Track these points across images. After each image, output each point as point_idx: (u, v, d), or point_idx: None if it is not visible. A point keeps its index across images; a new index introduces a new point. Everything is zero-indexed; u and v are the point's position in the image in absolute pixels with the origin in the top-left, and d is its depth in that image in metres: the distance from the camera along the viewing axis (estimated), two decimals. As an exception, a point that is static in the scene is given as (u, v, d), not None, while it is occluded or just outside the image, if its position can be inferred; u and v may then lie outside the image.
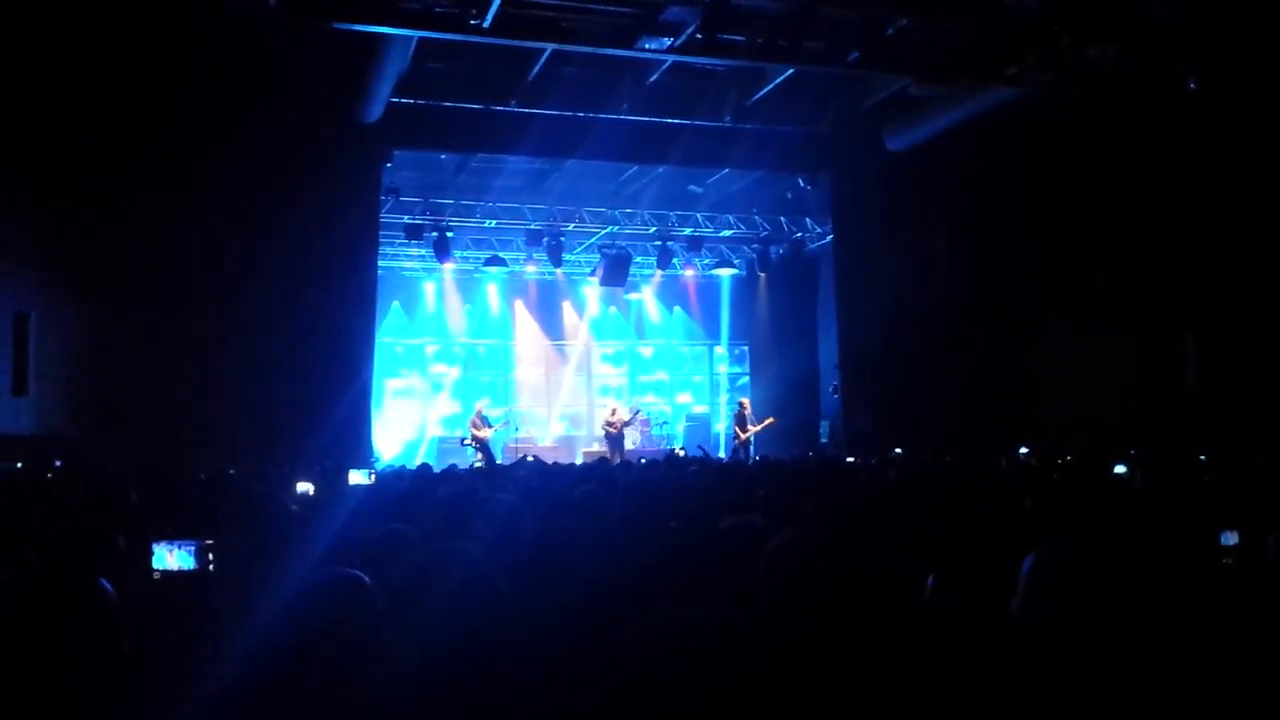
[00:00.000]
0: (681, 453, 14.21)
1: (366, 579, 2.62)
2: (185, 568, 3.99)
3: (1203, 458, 10.05)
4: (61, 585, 2.30)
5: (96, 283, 13.70)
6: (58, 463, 10.80)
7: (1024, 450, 12.48)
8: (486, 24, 11.24)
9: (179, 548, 4.00)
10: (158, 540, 4.02)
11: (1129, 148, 13.70)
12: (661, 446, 19.99)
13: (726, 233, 20.80)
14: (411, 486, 7.68)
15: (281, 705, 2.32)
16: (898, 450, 13.88)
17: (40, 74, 12.15)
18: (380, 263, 16.80)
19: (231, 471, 10.09)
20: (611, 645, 1.73)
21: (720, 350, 24.32)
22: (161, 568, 3.99)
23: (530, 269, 21.63)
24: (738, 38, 12.14)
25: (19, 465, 10.92)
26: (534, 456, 12.61)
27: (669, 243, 20.37)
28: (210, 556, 4.00)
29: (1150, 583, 1.97)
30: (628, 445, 19.57)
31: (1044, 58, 12.20)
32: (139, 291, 13.71)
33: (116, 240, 13.52)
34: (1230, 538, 4.71)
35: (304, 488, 8.62)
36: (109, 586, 2.32)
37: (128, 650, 2.30)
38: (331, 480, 9.36)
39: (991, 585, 2.58)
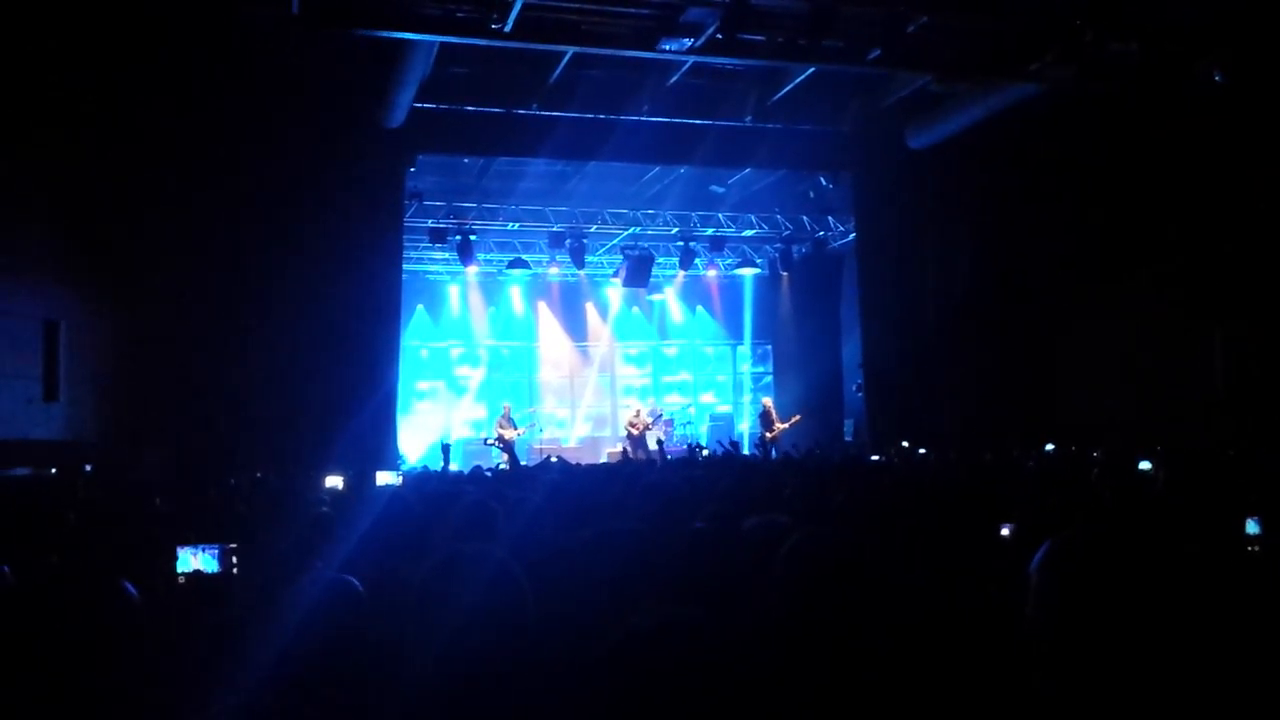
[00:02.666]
0: (705, 451, 14.15)
1: (357, 584, 2.64)
2: (209, 571, 4.02)
3: (1230, 454, 9.94)
4: (85, 587, 2.32)
5: (125, 290, 13.85)
6: (87, 468, 10.90)
7: (1050, 447, 12.39)
8: (508, 28, 11.27)
9: (203, 551, 4.04)
10: (182, 544, 4.06)
11: (1153, 142, 13.57)
12: (684, 445, 20.00)
13: (749, 232, 20.76)
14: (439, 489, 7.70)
15: (295, 707, 2.33)
16: (922, 450, 13.83)
17: (66, 83, 12.27)
18: (404, 266, 16.86)
19: (259, 475, 10.17)
20: (599, 648, 1.74)
21: (743, 350, 24.28)
22: (186, 571, 4.03)
23: (553, 271, 21.68)
24: (758, 37, 12.10)
25: (52, 470, 11.04)
26: (558, 457, 12.60)
27: (691, 243, 20.34)
28: (234, 560, 4.03)
29: (1169, 572, 1.95)
30: (651, 446, 19.57)
31: (1066, 53, 12.10)
32: (167, 298, 13.85)
33: (144, 247, 13.66)
34: (1255, 525, 4.71)
35: (333, 482, 8.94)
36: (132, 589, 2.34)
37: (150, 652, 2.32)
38: (358, 483, 9.45)
39: (1011, 582, 2.57)
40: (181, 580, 4.02)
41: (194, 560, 4.04)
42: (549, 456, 12.95)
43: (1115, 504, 5.78)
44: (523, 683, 2.34)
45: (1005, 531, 4.70)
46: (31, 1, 11.40)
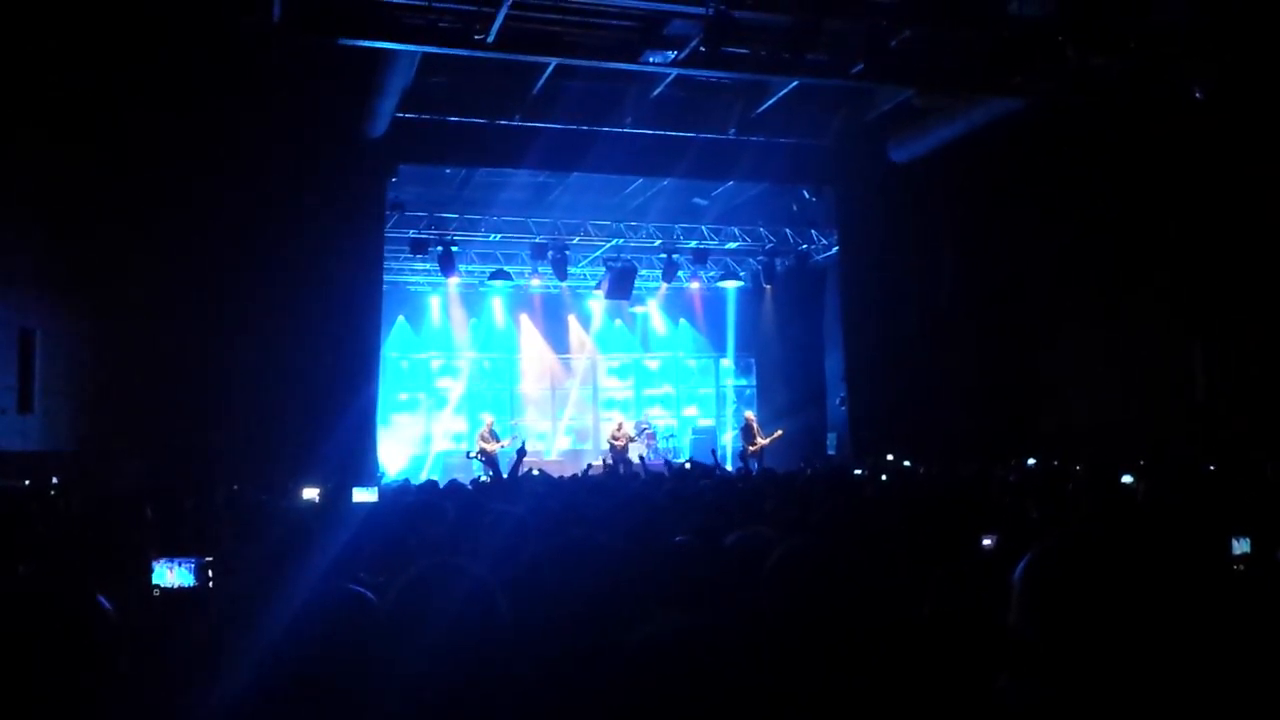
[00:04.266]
0: (688, 465, 14.11)
1: (371, 596, 2.59)
2: (185, 585, 3.96)
3: (1211, 467, 9.99)
4: (58, 602, 2.27)
5: (101, 299, 13.72)
6: (55, 480, 10.78)
7: (1031, 461, 12.42)
8: (491, 39, 11.24)
9: (178, 565, 3.97)
10: (157, 557, 3.99)
11: (1134, 157, 13.67)
12: (668, 459, 19.96)
13: (732, 245, 20.75)
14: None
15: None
16: (906, 462, 13.83)
17: (45, 89, 12.17)
18: (385, 277, 16.79)
19: (236, 487, 10.05)
20: (604, 659, 1.71)
21: (726, 363, 24.26)
22: (161, 585, 3.96)
23: (535, 282, 21.57)
24: (742, 50, 12.11)
25: (26, 482, 10.89)
26: (540, 470, 12.53)
27: (674, 255, 20.32)
28: (210, 573, 3.97)
29: (1150, 586, 1.94)
30: (633, 460, 19.54)
31: (1048, 67, 12.18)
32: (144, 307, 13.73)
33: (121, 256, 13.54)
34: (1241, 545, 4.68)
35: (311, 495, 8.80)
36: (106, 604, 2.29)
37: (126, 668, 2.27)
38: (335, 498, 9.33)
39: (993, 594, 2.56)
40: (157, 594, 3.95)
41: (170, 574, 3.97)
42: (530, 469, 12.88)
43: (1097, 515, 5.79)
44: (499, 699, 2.30)
45: (987, 542, 4.71)
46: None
